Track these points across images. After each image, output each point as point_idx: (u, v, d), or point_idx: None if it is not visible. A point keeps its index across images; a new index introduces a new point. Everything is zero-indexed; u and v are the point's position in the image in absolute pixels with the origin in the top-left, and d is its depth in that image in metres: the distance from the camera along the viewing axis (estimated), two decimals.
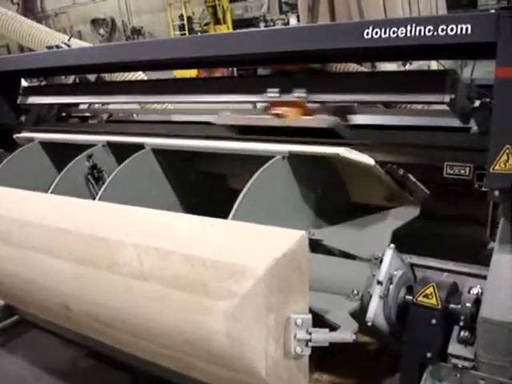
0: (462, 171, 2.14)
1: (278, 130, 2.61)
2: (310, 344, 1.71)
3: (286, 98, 2.60)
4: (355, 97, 2.57)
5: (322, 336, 1.73)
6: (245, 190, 2.17)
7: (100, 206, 2.48)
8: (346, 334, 1.84)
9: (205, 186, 3.02)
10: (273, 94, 2.63)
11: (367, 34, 2.07)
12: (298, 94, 2.57)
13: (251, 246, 1.77)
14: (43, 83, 4.06)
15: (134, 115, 4.17)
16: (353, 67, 3.84)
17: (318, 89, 2.58)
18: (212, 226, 1.97)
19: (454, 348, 1.98)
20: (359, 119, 2.82)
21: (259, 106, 2.71)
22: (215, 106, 3.09)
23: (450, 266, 2.19)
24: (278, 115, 2.62)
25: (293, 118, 2.60)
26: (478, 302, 1.93)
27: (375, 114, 2.92)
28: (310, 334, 1.71)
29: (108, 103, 3.94)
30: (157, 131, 3.17)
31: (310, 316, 1.73)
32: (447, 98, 2.14)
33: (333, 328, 1.90)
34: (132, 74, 4.61)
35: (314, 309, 1.92)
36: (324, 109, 2.66)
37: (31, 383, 3.24)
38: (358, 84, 2.59)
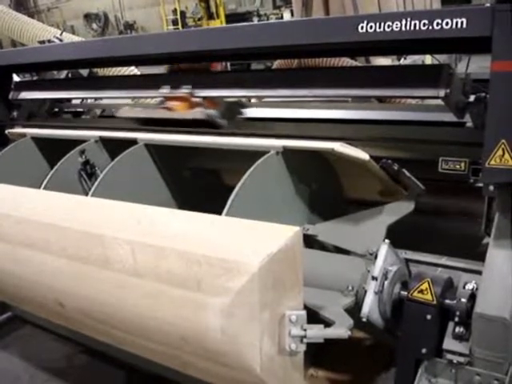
0: (457, 166, 2.14)
1: (170, 122, 2.90)
2: (304, 340, 1.70)
3: (175, 93, 2.90)
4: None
5: (317, 332, 1.72)
6: (239, 185, 2.16)
7: (93, 201, 2.46)
8: (341, 330, 1.83)
9: (198, 182, 3.01)
10: (165, 89, 2.94)
11: (362, 28, 2.06)
12: (184, 90, 2.86)
13: (245, 242, 1.76)
14: (35, 78, 4.04)
15: None
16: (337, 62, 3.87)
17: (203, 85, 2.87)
18: (206, 222, 1.96)
19: (449, 343, 1.97)
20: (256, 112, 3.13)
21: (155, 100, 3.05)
22: None
23: (445, 261, 2.19)
24: (169, 109, 2.93)
25: (179, 111, 2.90)
26: (473, 297, 1.93)
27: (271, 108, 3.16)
28: (305, 330, 1.70)
29: (101, 98, 3.91)
30: (149, 126, 3.15)
31: (304, 312, 1.72)
32: (442, 93, 2.13)
33: (327, 324, 1.90)
34: (125, 68, 4.59)
35: (308, 305, 1.92)
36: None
37: (25, 380, 3.23)
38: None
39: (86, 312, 2.08)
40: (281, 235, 1.69)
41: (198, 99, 2.85)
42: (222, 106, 2.91)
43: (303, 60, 4.26)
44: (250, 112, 3.12)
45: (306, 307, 1.79)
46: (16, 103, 3.76)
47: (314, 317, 1.93)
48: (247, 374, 1.67)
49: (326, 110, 2.97)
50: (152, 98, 3.42)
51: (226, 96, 2.96)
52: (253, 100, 3.71)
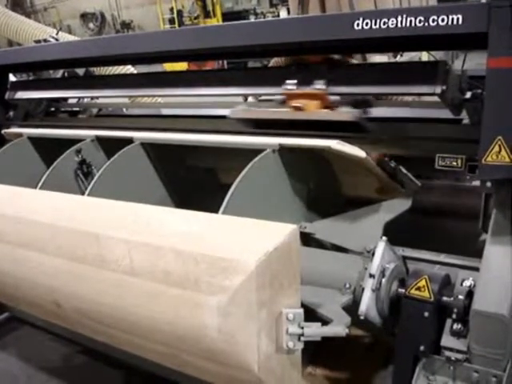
0: (454, 163, 2.14)
1: (296, 124, 2.51)
2: (302, 338, 1.70)
3: (306, 90, 2.49)
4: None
5: (314, 330, 1.72)
6: (235, 183, 2.15)
7: (89, 201, 2.46)
8: (339, 327, 1.83)
9: (195, 180, 3.01)
10: (290, 86, 2.52)
11: (357, 25, 2.05)
12: (318, 86, 2.45)
13: (242, 241, 1.75)
14: (31, 78, 4.03)
15: (124, 109, 4.14)
16: None
17: (338, 80, 2.47)
18: (203, 220, 1.96)
19: (446, 340, 1.97)
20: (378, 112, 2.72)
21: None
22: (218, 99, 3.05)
23: (443, 258, 2.18)
24: (297, 108, 2.50)
25: (314, 111, 2.47)
26: (470, 294, 1.93)
27: (392, 107, 2.84)
28: (302, 328, 1.69)
29: (97, 97, 3.91)
30: (147, 125, 3.15)
31: (301, 310, 1.72)
32: (438, 90, 2.12)
33: (325, 322, 1.89)
34: (121, 67, 4.59)
35: (305, 303, 1.91)
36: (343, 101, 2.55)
37: (23, 381, 3.22)
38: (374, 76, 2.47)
39: (82, 312, 2.07)
40: (278, 233, 1.69)
41: (335, 97, 2.47)
42: (359, 105, 2.51)
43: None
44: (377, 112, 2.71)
45: (303, 305, 1.79)
46: (12, 103, 3.74)
47: (311, 315, 1.92)
48: (245, 373, 1.67)
49: None
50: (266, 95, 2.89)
51: (365, 93, 2.55)
52: None
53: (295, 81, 2.50)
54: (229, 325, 1.62)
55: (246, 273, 1.58)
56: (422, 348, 2.00)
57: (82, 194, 2.70)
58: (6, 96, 3.69)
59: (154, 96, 4.14)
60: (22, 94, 3.67)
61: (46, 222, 2.18)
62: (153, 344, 1.92)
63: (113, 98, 3.77)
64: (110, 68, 4.64)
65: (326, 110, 2.47)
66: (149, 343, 1.94)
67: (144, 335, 1.91)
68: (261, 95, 2.79)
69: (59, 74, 4.00)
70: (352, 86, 2.45)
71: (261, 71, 3.45)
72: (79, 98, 3.93)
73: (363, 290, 2.10)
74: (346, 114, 2.43)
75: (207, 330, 1.66)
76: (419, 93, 2.35)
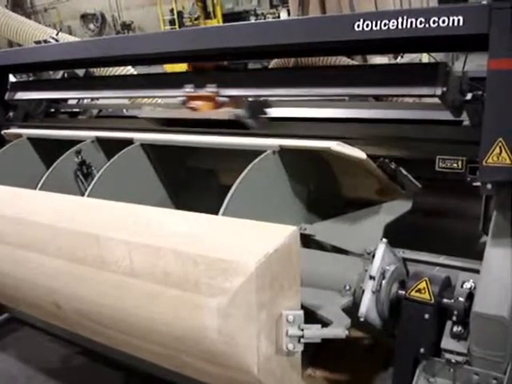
0: (455, 164, 2.13)
1: (195, 122, 2.85)
2: (302, 340, 1.70)
3: (200, 92, 2.84)
4: (285, 91, 2.70)
5: (314, 332, 1.72)
6: (235, 185, 2.15)
7: (89, 202, 2.45)
8: (339, 329, 1.83)
9: (195, 182, 3.00)
10: (188, 89, 2.86)
11: (358, 26, 2.05)
12: (210, 89, 2.80)
13: (242, 242, 1.75)
14: (31, 78, 4.02)
15: (124, 110, 4.14)
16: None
17: (228, 84, 2.81)
18: (203, 221, 1.96)
19: (447, 343, 1.96)
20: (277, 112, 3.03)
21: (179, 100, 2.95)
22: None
23: (443, 260, 2.18)
24: (192, 108, 2.86)
25: (204, 111, 2.83)
26: (471, 296, 1.92)
27: (294, 107, 3.13)
28: (302, 330, 1.69)
29: (97, 98, 3.90)
30: (146, 126, 3.15)
31: (301, 312, 1.72)
32: (439, 91, 2.12)
33: (325, 324, 1.89)
34: (121, 68, 4.59)
35: (306, 304, 1.91)
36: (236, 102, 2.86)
37: (23, 382, 3.22)
38: (276, 79, 2.78)
39: (82, 313, 2.07)
40: (278, 235, 1.69)
41: (223, 99, 2.79)
42: (245, 106, 2.82)
43: (300, 59, 4.26)
44: (275, 112, 3.02)
45: (303, 307, 1.78)
46: (12, 104, 3.74)
47: (311, 317, 1.92)
48: (244, 375, 1.66)
49: (322, 109, 2.97)
50: (169, 97, 3.36)
51: (251, 95, 2.91)
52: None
53: (192, 84, 2.85)
54: (228, 326, 1.62)
55: (246, 274, 1.57)
56: (422, 350, 1.99)
57: (82, 195, 2.69)
58: (6, 97, 3.69)
59: (154, 97, 4.13)
60: (21, 95, 3.67)
61: (46, 223, 2.18)
62: (152, 345, 1.92)
63: (113, 98, 3.76)
64: (110, 69, 4.64)
65: (216, 110, 2.81)
66: (148, 344, 1.94)
67: (144, 336, 1.91)
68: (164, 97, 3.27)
69: (59, 74, 4.00)
70: (240, 89, 2.82)
71: (168, 76, 3.87)
72: (79, 98, 3.93)
73: (363, 291, 2.09)
74: (226, 113, 2.77)
75: (207, 331, 1.65)
76: (420, 94, 2.35)
